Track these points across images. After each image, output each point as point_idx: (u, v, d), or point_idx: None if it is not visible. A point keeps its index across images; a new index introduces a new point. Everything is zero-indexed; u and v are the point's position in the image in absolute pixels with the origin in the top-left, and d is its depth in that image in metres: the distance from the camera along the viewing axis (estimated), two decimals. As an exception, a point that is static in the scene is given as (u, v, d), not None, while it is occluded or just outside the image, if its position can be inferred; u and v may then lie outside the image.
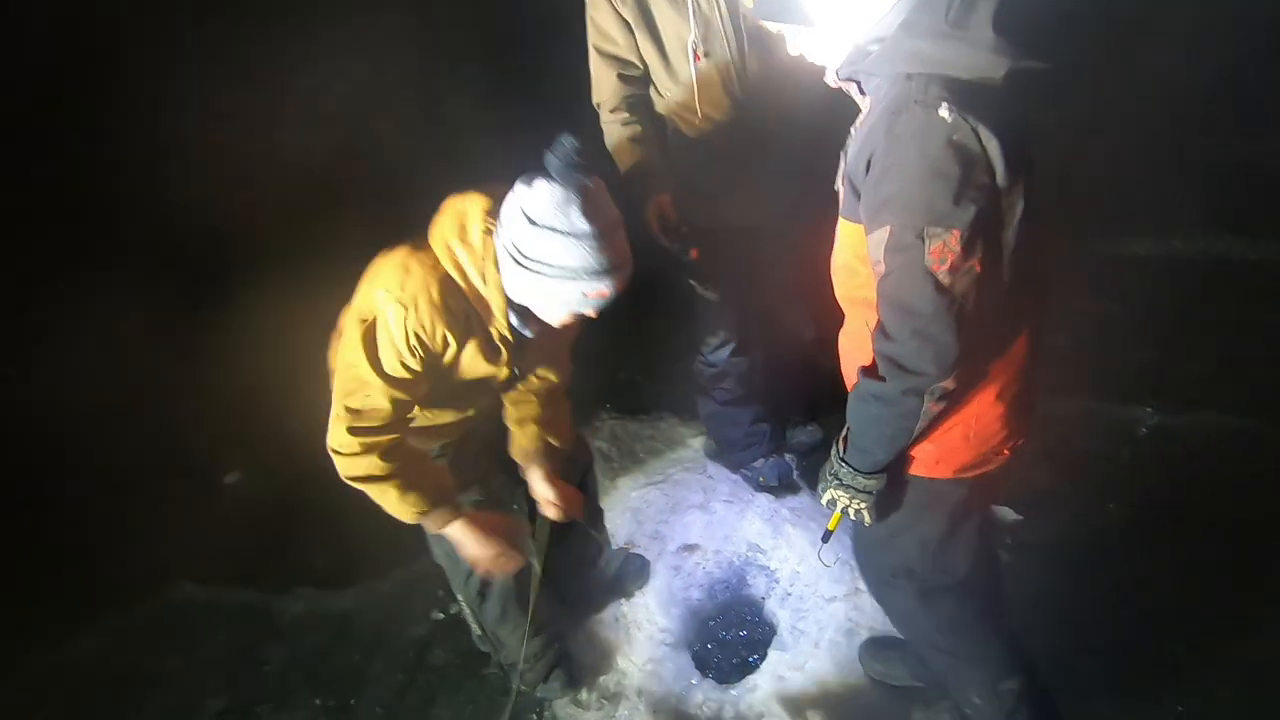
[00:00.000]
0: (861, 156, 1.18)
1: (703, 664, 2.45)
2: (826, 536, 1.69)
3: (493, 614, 2.14)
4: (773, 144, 2.06)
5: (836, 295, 1.45)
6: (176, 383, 3.27)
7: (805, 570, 2.61)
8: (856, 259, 1.29)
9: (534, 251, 1.35)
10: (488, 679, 2.46)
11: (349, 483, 1.57)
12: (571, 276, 1.36)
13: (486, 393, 1.77)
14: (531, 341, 1.64)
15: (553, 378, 1.89)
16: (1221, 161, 3.92)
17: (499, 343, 1.59)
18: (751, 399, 2.86)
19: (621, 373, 3.70)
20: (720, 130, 2.05)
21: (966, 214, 1.07)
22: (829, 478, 1.49)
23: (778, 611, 2.53)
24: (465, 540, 1.76)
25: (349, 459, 1.52)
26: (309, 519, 2.81)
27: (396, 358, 1.45)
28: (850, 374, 1.46)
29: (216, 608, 2.74)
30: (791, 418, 3.22)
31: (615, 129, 2.12)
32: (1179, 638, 2.21)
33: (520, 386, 1.85)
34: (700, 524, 2.81)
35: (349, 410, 1.48)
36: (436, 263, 1.46)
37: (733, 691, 2.29)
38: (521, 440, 1.94)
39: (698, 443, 3.26)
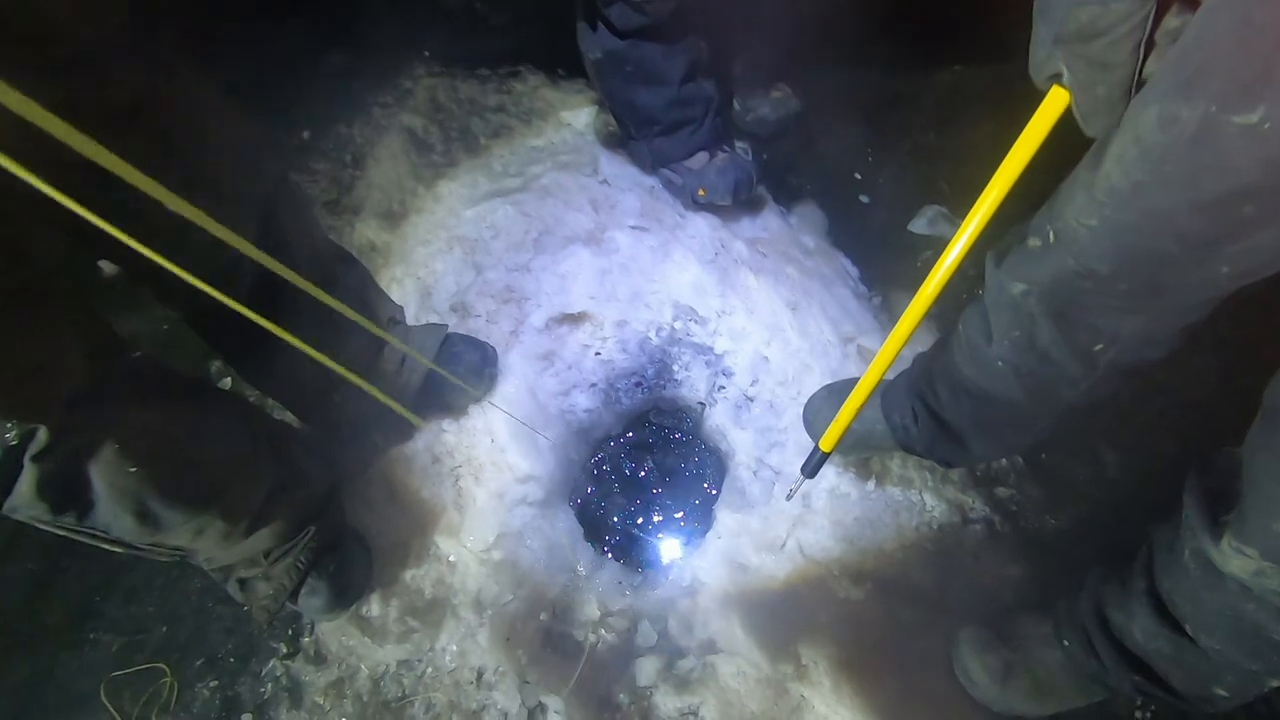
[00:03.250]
0: None
1: (596, 534, 1.39)
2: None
3: (116, 522, 0.88)
4: None
5: None
6: None
7: (779, 355, 1.46)
8: None
9: None
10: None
11: None
12: None
13: None
14: None
15: None
16: None
17: None
18: (686, 30, 1.41)
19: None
20: None
21: None
22: None
23: (729, 434, 1.43)
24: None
25: None
26: None
27: None
28: None
29: None
30: (748, 76, 1.81)
31: None
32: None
33: None
34: (589, 272, 1.52)
35: None
36: None
37: (651, 591, 1.26)
38: None
39: (585, 118, 1.83)
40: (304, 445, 1.22)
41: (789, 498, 1.17)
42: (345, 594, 1.20)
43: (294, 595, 1.17)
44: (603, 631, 1.20)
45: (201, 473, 0.95)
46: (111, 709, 1.22)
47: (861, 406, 1.08)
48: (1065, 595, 1.08)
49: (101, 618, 1.30)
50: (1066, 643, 1.03)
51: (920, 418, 1.16)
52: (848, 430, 1.20)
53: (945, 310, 1.52)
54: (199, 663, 1.25)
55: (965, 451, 1.13)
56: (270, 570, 1.14)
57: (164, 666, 1.25)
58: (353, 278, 1.19)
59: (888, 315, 1.58)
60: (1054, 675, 1.05)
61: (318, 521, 1.17)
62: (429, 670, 1.19)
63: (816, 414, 1.27)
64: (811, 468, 1.16)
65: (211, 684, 1.23)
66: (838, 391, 1.29)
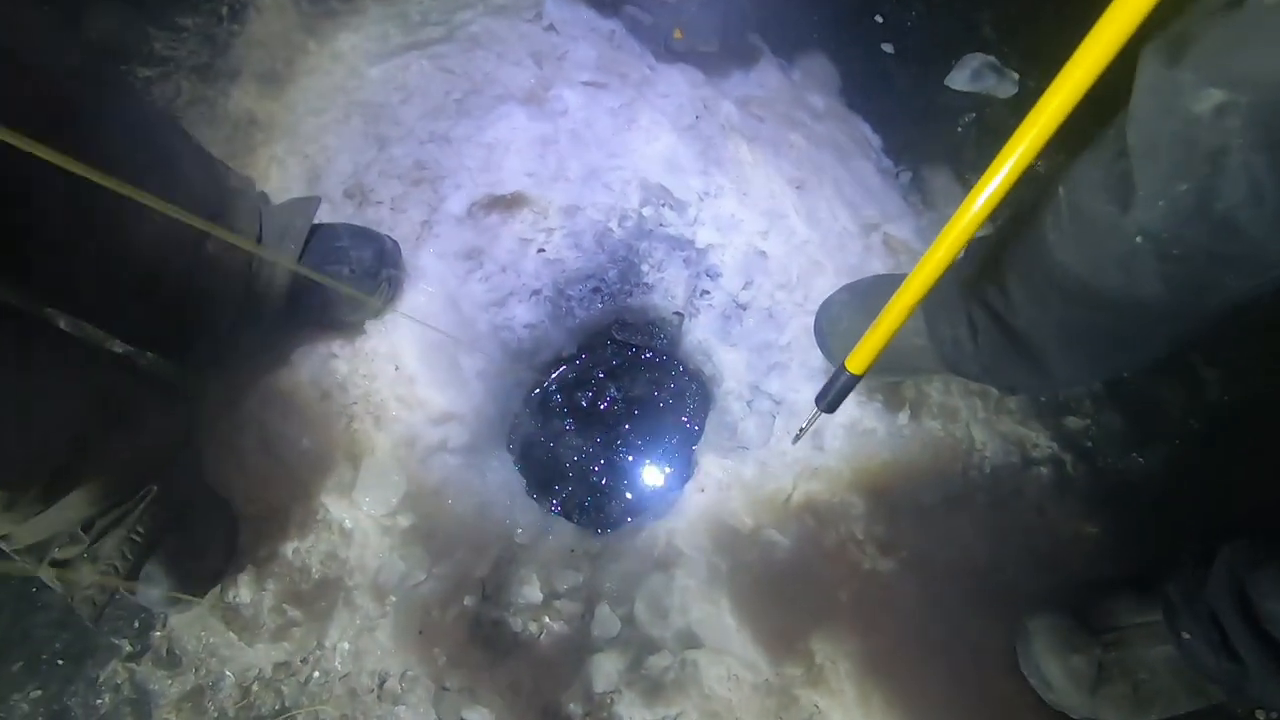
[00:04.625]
0: None
1: (542, 488, 1.07)
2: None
3: None
4: None
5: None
6: None
7: (780, 250, 1.11)
8: None
9: None
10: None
11: None
12: None
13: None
14: None
15: None
16: None
17: None
18: None
19: None
20: None
21: None
22: None
23: (715, 353, 1.09)
24: None
25: None
26: None
27: None
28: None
29: None
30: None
31: None
32: None
33: None
34: (527, 140, 1.14)
35: None
36: None
37: (613, 563, 0.95)
38: None
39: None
40: (139, 377, 0.88)
41: (796, 439, 0.85)
42: (195, 578, 0.88)
43: (133, 578, 0.85)
44: (548, 619, 0.90)
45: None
46: (-102, 731, 0.92)
47: (907, 317, 0.74)
48: (1173, 566, 0.79)
49: (-112, 610, 0.99)
50: (1186, 635, 0.74)
51: (980, 328, 0.83)
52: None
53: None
54: (17, 666, 0.95)
55: (1041, 374, 0.81)
56: (96, 549, 0.82)
57: (-31, 673, 0.94)
58: (146, 120, 0.80)
59: (920, 196, 1.22)
60: (1162, 677, 0.76)
61: (160, 480, 0.84)
62: (315, 675, 0.90)
63: (835, 323, 0.93)
64: (832, 397, 0.84)
65: (33, 694, 0.93)
66: (863, 292, 0.95)
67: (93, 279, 0.78)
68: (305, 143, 1.22)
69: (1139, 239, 0.59)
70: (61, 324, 0.95)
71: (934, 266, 0.72)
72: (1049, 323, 0.76)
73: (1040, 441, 0.98)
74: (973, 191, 0.64)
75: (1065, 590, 0.87)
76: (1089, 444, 0.99)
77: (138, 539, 0.83)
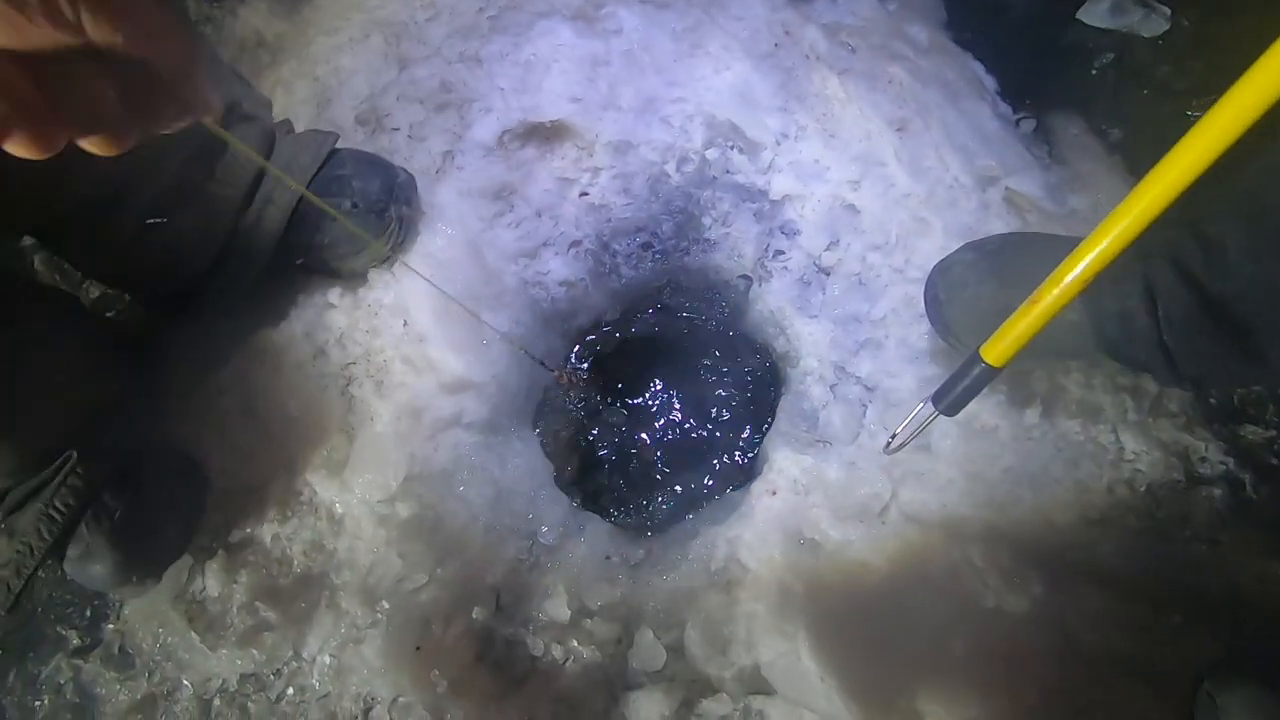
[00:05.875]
0: None
1: (574, 480, 0.89)
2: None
3: None
4: None
5: None
6: None
7: (875, 204, 0.90)
8: None
9: None
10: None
11: None
12: None
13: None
14: None
15: None
16: None
17: None
18: None
19: None
20: None
21: None
22: None
23: (791, 325, 0.90)
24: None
25: None
26: None
27: None
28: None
29: None
30: None
31: None
32: None
33: None
34: (572, 60, 0.95)
35: None
36: None
37: (658, 576, 0.76)
38: None
39: None
40: (74, 325, 0.73)
41: (892, 448, 0.66)
42: (141, 557, 0.73)
43: (59, 556, 0.70)
44: (575, 642, 0.72)
45: None
46: None
47: (1073, 298, 0.55)
48: None
49: None
50: None
51: (1163, 299, 0.63)
52: (1001, 314, 0.66)
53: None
54: (-52, 655, 0.81)
55: (1252, 361, 0.60)
56: (12, 523, 0.67)
57: (-107, 661, 0.80)
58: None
59: (1047, 148, 1.00)
60: None
61: (78, 442, 0.68)
62: (288, 693, 0.73)
63: (957, 290, 0.73)
64: (958, 395, 0.64)
65: (-36, 690, 0.79)
66: (994, 253, 0.75)
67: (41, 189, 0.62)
68: (315, 64, 1.05)
69: None
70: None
71: (1122, 233, 0.52)
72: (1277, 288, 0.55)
73: (1210, 455, 0.77)
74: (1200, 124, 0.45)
75: (1249, 646, 0.66)
76: (1274, 460, 0.78)
77: (58, 513, 0.69)
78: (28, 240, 0.94)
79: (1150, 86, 1.05)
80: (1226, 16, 1.07)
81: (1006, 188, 0.92)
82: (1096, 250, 0.53)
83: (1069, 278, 0.55)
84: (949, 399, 0.64)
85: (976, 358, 0.62)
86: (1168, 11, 1.07)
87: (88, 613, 0.81)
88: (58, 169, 0.59)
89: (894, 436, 0.66)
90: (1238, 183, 0.58)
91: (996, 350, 0.61)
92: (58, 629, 0.80)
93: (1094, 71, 1.06)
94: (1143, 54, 1.07)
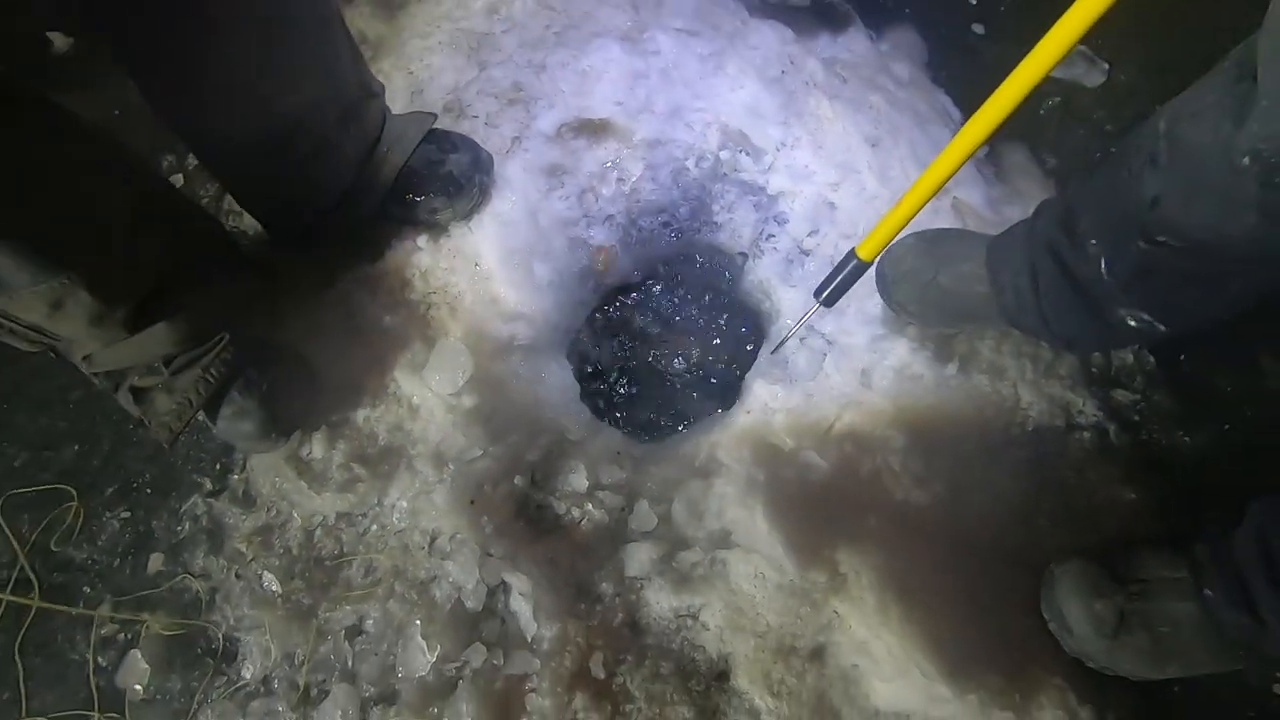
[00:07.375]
0: None
1: (595, 398, 1.13)
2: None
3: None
4: None
5: None
6: None
7: (849, 202, 1.14)
8: None
9: None
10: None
11: None
12: None
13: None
14: None
15: None
16: None
17: None
18: None
19: None
20: None
21: None
22: None
23: (774, 292, 1.13)
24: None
25: None
26: None
27: None
28: None
29: None
30: None
31: None
32: None
33: None
34: (619, 72, 1.20)
35: None
36: None
37: (655, 466, 1.00)
38: None
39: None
40: (214, 242, 0.97)
41: (774, 351, 0.90)
42: (280, 420, 0.96)
43: (214, 415, 0.94)
44: (590, 506, 0.96)
45: (38, 208, 0.69)
46: (8, 530, 1.03)
47: (929, 198, 0.76)
48: (1205, 534, 0.80)
49: (7, 427, 1.11)
50: (1209, 592, 0.76)
51: (1043, 277, 0.85)
52: (932, 286, 0.89)
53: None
54: (111, 490, 1.05)
55: (1102, 326, 0.82)
56: (172, 382, 0.91)
57: (71, 489, 1.05)
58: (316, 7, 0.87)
59: (994, 169, 1.24)
60: (1183, 633, 0.78)
61: (231, 328, 0.92)
62: (373, 528, 0.97)
63: (898, 264, 0.96)
64: (834, 289, 0.87)
65: (123, 515, 1.04)
66: (930, 239, 0.98)
67: (240, 125, 0.87)
68: (410, 61, 1.30)
69: (1246, 160, 0.58)
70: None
71: (966, 144, 0.73)
72: (1127, 266, 0.73)
73: (1086, 409, 1.00)
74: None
75: (1095, 545, 0.89)
76: (1135, 418, 1.00)
77: (212, 379, 0.91)
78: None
79: (1087, 127, 1.28)
80: (1157, 73, 1.30)
81: (955, 197, 1.15)
82: (938, 175, 0.74)
83: (920, 191, 0.76)
84: (828, 291, 0.87)
85: (852, 254, 0.85)
86: (1106, 66, 1.31)
87: (217, 466, 1.05)
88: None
89: (784, 338, 0.90)
90: (1099, 188, 0.79)
91: (867, 249, 0.83)
92: (193, 476, 1.05)
93: (1042, 111, 1.29)
94: (1084, 100, 1.30)
